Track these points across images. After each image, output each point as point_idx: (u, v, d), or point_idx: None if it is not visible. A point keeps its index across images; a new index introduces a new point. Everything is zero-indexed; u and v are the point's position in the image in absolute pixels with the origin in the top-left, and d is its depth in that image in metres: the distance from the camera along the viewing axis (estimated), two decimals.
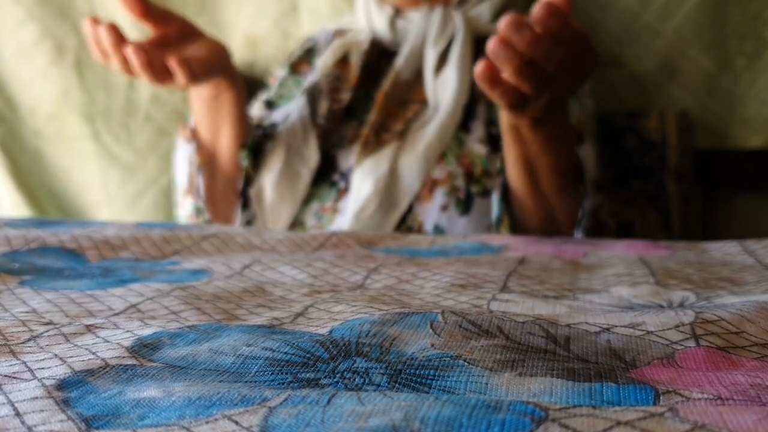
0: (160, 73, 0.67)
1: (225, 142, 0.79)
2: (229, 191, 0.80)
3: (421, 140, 0.75)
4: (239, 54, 1.04)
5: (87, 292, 0.39)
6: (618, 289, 0.40)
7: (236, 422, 0.21)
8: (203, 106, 0.78)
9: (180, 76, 0.67)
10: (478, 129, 0.76)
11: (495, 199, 0.70)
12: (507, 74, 0.54)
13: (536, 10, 0.52)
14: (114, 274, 0.44)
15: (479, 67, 0.55)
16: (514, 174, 0.68)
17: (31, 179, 1.11)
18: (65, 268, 0.45)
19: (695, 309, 0.33)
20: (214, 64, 0.73)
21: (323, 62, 0.83)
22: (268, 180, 0.77)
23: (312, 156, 0.78)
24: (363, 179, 0.74)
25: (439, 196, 0.73)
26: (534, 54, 0.53)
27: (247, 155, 0.78)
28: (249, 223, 0.79)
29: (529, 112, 0.59)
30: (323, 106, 0.80)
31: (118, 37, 0.65)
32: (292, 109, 0.81)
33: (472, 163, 0.74)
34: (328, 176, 0.78)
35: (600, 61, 0.60)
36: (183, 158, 0.83)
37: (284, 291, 0.39)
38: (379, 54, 0.83)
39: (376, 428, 0.20)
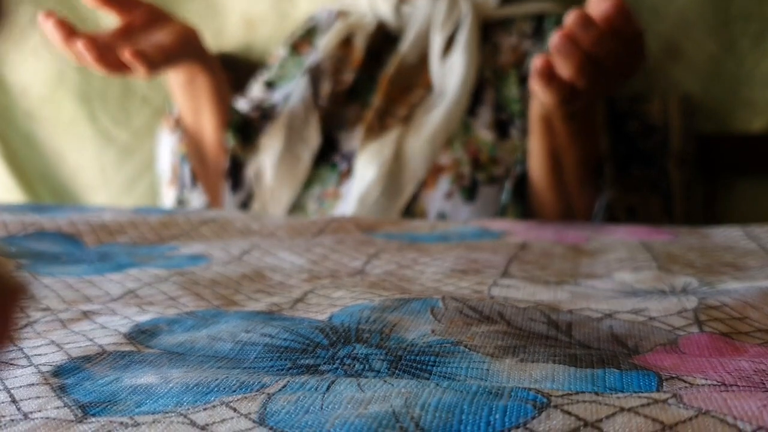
0: (116, 66, 0.66)
1: (208, 127, 0.78)
2: (215, 175, 0.80)
3: (427, 125, 0.74)
4: (236, 36, 1.03)
5: (84, 278, 0.39)
6: (620, 274, 0.39)
7: (234, 409, 0.21)
8: (180, 91, 0.78)
9: (137, 68, 0.66)
10: (485, 114, 0.75)
11: (506, 188, 0.70)
12: (567, 70, 0.54)
13: (601, 6, 0.52)
14: (111, 259, 0.43)
15: (539, 62, 0.55)
16: (538, 166, 0.67)
17: (24, 162, 1.11)
18: (62, 253, 0.45)
19: (698, 295, 0.33)
20: (180, 49, 0.72)
21: (326, 42, 0.82)
22: (268, 162, 0.77)
23: (313, 138, 0.77)
24: (367, 163, 0.73)
25: (444, 184, 0.72)
26: (598, 51, 0.52)
27: (233, 136, 0.77)
28: (244, 204, 0.78)
29: (574, 106, 0.59)
30: (325, 87, 0.80)
31: (68, 31, 0.64)
32: (293, 89, 0.80)
33: (479, 149, 0.73)
34: (329, 158, 0.77)
35: (647, 56, 0.59)
36: (166, 149, 0.83)
37: (283, 277, 0.39)
38: (384, 38, 0.82)
39: (375, 415, 0.19)
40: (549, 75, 0.55)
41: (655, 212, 0.77)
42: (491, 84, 0.77)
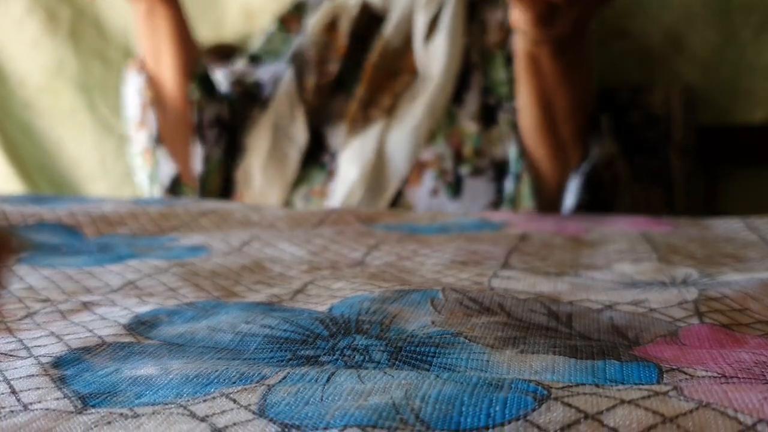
0: None
1: (168, 70, 0.75)
2: (181, 125, 0.76)
3: (410, 117, 0.72)
4: (236, 26, 1.02)
5: (84, 269, 0.38)
6: (620, 265, 0.39)
7: (234, 400, 0.21)
8: (140, 25, 0.75)
9: None
10: (471, 102, 0.73)
11: (513, 152, 0.66)
12: None
13: None
14: (111, 251, 0.43)
15: None
16: (527, 116, 0.63)
17: (22, 153, 1.10)
18: (62, 245, 0.45)
19: (698, 286, 0.33)
20: None
21: (312, 27, 0.80)
22: (256, 163, 0.75)
23: (300, 135, 0.75)
24: (349, 163, 0.71)
25: (428, 180, 0.70)
26: None
27: (198, 86, 0.75)
28: (208, 160, 0.76)
29: (556, 28, 0.54)
30: (310, 80, 0.78)
31: None
32: (279, 73, 0.78)
33: (462, 142, 0.71)
34: (317, 157, 0.76)
35: None
36: (133, 90, 0.79)
37: (283, 268, 0.39)
38: (369, 20, 0.80)
39: (376, 407, 0.19)
40: None
41: (656, 203, 0.77)
42: (478, 67, 0.74)
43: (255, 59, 0.83)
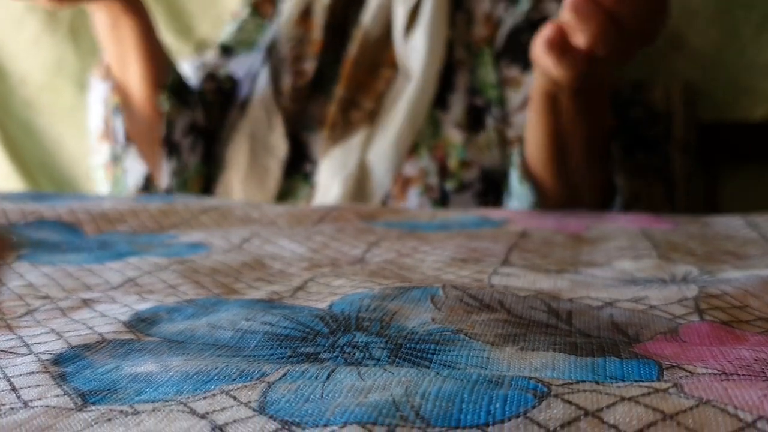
0: None
1: (134, 80, 0.71)
2: (147, 135, 0.73)
3: (392, 125, 0.67)
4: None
5: (84, 266, 0.38)
6: (621, 262, 0.39)
7: (234, 398, 0.21)
8: (104, 36, 0.71)
9: None
10: (457, 105, 0.68)
11: (515, 177, 0.61)
12: (586, 37, 0.45)
13: None
14: (111, 248, 0.43)
15: (549, 32, 0.46)
16: (538, 151, 0.59)
17: (23, 151, 1.10)
18: (62, 242, 0.45)
19: (699, 283, 0.33)
20: None
21: (285, 20, 0.75)
22: (236, 178, 0.71)
23: (280, 146, 0.71)
24: (331, 176, 0.67)
25: (413, 197, 0.67)
26: (622, 9, 0.44)
27: (168, 98, 0.71)
28: (176, 174, 0.73)
29: (590, 79, 0.50)
30: (286, 83, 0.73)
31: None
32: (254, 70, 0.73)
33: (447, 154, 0.66)
34: (300, 167, 0.71)
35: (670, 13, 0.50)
36: (97, 99, 0.75)
37: (283, 265, 0.39)
38: (345, 5, 0.74)
39: (376, 404, 0.19)
40: (563, 46, 0.46)
41: (657, 199, 0.77)
42: (464, 64, 0.69)
43: (227, 50, 0.78)
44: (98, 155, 0.77)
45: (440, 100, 0.68)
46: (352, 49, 0.71)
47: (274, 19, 0.78)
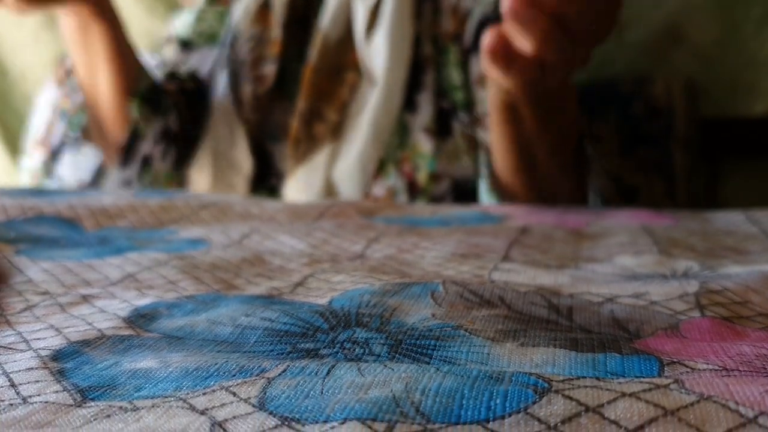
0: None
1: (103, 86, 0.68)
2: (104, 138, 0.70)
3: (356, 141, 0.64)
4: None
5: (84, 262, 0.38)
6: (621, 258, 0.39)
7: (234, 393, 0.21)
8: (71, 40, 0.68)
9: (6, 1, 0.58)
10: (425, 106, 0.63)
11: (484, 188, 0.59)
12: (529, 42, 0.42)
13: None
14: (111, 243, 0.43)
15: (489, 41, 0.43)
16: (504, 164, 0.55)
17: (23, 146, 1.10)
18: (61, 237, 0.45)
19: (699, 279, 0.33)
20: None
21: (243, 14, 0.71)
22: None
23: (244, 162, 0.67)
24: (298, 197, 0.65)
25: None
26: (566, 10, 0.41)
27: (139, 106, 0.68)
28: (128, 183, 0.70)
29: (543, 86, 0.48)
30: (247, 90, 0.69)
31: None
32: (216, 70, 0.69)
33: (415, 167, 0.62)
34: (265, 180, 0.69)
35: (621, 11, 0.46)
36: (46, 102, 0.72)
37: (283, 261, 0.39)
38: (305, 2, 0.70)
39: (376, 400, 0.19)
40: (506, 54, 0.43)
41: (658, 195, 0.76)
42: (431, 62, 0.65)
43: (187, 45, 0.75)
44: (29, 159, 0.74)
45: (408, 101, 0.65)
46: (312, 54, 0.67)
47: (235, 5, 0.74)
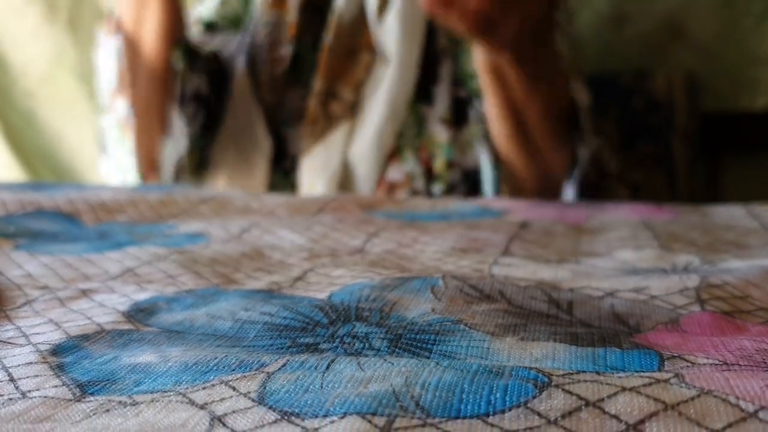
0: None
1: (150, 33, 0.67)
2: (156, 96, 0.69)
3: (373, 121, 0.65)
4: None
5: (83, 256, 0.38)
6: (621, 252, 0.39)
7: (234, 388, 0.21)
8: None
9: None
10: (441, 98, 0.65)
11: (486, 164, 0.62)
12: None
13: None
14: (110, 238, 0.43)
15: None
16: (499, 125, 0.59)
17: (23, 141, 1.10)
18: (61, 232, 0.45)
19: (700, 273, 0.33)
20: None
21: (260, 2, 0.71)
22: (222, 175, 0.69)
23: (264, 141, 0.68)
24: (314, 176, 0.66)
25: None
26: None
27: (182, 56, 0.68)
28: (193, 120, 0.70)
29: (501, 37, 0.51)
30: (264, 73, 0.70)
31: None
32: (235, 47, 0.69)
33: (432, 155, 0.65)
34: (279, 163, 0.69)
35: None
36: (108, 53, 0.72)
37: (283, 255, 0.39)
38: None
39: (375, 394, 0.19)
40: (443, 0, 0.47)
41: (658, 188, 0.76)
42: (447, 53, 0.66)
43: (211, 27, 0.75)
44: (112, 113, 0.74)
45: (424, 92, 0.66)
46: (328, 35, 0.68)
47: None
